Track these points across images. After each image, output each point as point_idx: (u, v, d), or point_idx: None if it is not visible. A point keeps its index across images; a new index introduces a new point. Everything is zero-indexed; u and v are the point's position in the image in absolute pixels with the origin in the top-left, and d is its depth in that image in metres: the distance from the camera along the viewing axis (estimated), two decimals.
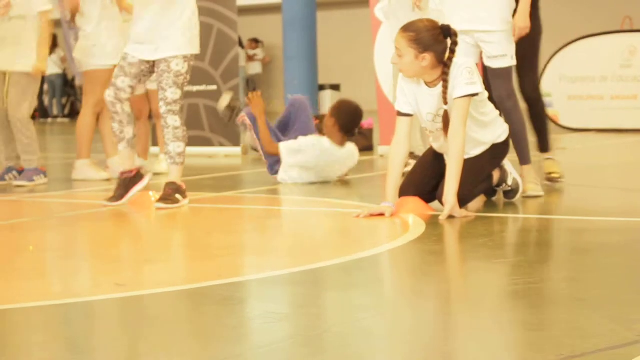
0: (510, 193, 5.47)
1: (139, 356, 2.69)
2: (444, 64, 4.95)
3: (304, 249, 4.40)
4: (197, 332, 2.89)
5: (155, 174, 7.67)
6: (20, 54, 7.12)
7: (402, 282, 3.71)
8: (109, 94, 5.74)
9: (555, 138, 11.21)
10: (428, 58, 4.92)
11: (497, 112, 5.32)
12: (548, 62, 12.61)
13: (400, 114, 5.12)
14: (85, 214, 5.66)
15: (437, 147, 5.27)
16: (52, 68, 21.69)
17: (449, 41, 4.94)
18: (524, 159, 5.70)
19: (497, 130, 5.25)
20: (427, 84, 5.05)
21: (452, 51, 4.94)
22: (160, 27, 5.70)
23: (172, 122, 5.72)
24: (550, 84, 12.45)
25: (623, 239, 4.35)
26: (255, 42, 23.42)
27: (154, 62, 5.73)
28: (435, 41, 4.91)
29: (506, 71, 5.62)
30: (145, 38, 5.71)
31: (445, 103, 4.96)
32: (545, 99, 12.50)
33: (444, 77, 4.94)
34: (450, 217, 4.84)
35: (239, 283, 3.58)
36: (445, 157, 5.18)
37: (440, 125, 5.09)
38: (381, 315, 3.09)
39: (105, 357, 2.64)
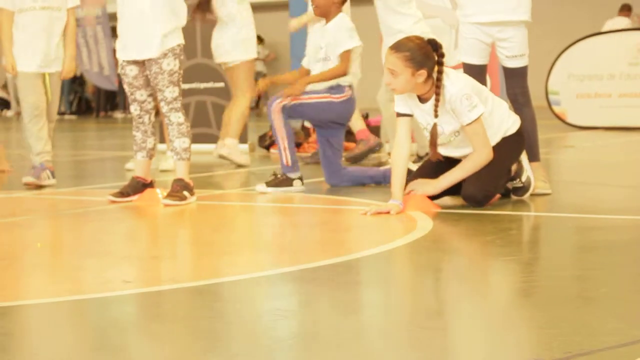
0: (520, 190, 5.47)
1: (145, 353, 2.69)
2: (434, 77, 5.04)
3: (311, 246, 4.40)
4: (204, 329, 2.88)
5: (162, 171, 7.68)
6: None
7: (410, 280, 3.71)
8: (135, 109, 5.85)
9: (564, 136, 11.22)
10: (424, 74, 5.00)
11: (504, 104, 5.35)
12: (556, 60, 12.60)
13: (399, 114, 5.20)
14: (93, 211, 5.67)
15: (442, 151, 5.31)
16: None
17: (435, 55, 5.03)
18: (533, 156, 5.70)
19: (505, 124, 5.26)
20: (419, 98, 5.13)
21: (440, 64, 5.03)
22: (143, 25, 5.72)
23: (175, 119, 5.75)
24: (558, 82, 12.43)
25: (631, 237, 4.34)
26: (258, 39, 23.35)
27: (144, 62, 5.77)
28: (427, 57, 5.01)
29: (523, 70, 5.71)
30: (127, 39, 5.77)
31: (436, 116, 5.06)
32: (553, 97, 12.54)
33: (437, 91, 5.02)
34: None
35: (246, 280, 3.58)
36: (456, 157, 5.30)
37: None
38: (388, 313, 3.08)
39: (112, 353, 2.64)
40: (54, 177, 6.90)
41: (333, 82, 6.31)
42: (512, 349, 2.63)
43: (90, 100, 24.01)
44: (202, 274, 3.79)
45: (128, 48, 5.78)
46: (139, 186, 5.87)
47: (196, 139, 9.93)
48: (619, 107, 11.92)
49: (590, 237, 4.40)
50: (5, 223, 5.29)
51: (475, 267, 3.88)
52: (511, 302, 3.19)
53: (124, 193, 5.83)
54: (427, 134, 5.21)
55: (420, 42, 5.05)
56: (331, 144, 6.42)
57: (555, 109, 12.51)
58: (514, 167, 5.41)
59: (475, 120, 5.03)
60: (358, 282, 3.56)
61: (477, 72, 5.67)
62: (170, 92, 5.73)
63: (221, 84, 9.82)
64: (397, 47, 5.04)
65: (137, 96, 5.83)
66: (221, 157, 8.04)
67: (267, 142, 9.80)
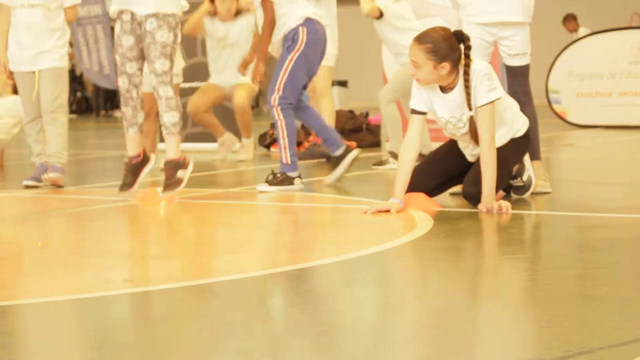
0: (521, 189, 5.47)
1: (146, 352, 2.68)
2: (460, 69, 4.99)
3: (311, 244, 4.40)
4: (205, 328, 2.88)
5: (162, 169, 7.67)
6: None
7: (411, 279, 3.71)
8: (123, 82, 5.77)
9: (564, 134, 11.21)
10: (447, 66, 4.94)
11: (516, 104, 5.34)
12: (556, 58, 12.59)
13: (414, 111, 5.13)
14: (94, 210, 5.66)
15: (465, 150, 5.31)
16: None
17: (462, 46, 4.97)
18: (533, 155, 5.70)
19: (516, 124, 5.26)
20: (441, 89, 5.07)
21: (467, 56, 4.98)
22: None
23: (164, 93, 5.71)
24: (558, 81, 12.43)
25: (632, 235, 4.34)
26: None
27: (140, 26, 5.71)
28: (451, 49, 4.94)
29: (524, 69, 5.71)
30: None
31: (470, 109, 5.01)
32: (554, 96, 12.54)
33: (466, 84, 4.97)
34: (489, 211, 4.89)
35: (246, 279, 3.58)
36: (468, 157, 5.29)
37: (461, 131, 5.11)
38: (389, 312, 3.08)
39: (113, 352, 2.64)
40: None
41: (283, 35, 6.20)
42: (513, 347, 2.63)
43: (90, 99, 24.01)
44: (202, 273, 3.78)
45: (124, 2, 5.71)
46: (138, 166, 5.84)
47: (196, 137, 9.98)
48: (619, 106, 11.91)
49: (591, 235, 4.40)
50: (6, 222, 5.29)
51: (476, 266, 3.88)
52: (512, 300, 3.18)
53: (128, 183, 5.82)
54: (448, 129, 5.13)
55: (445, 33, 4.96)
56: None
57: (556, 107, 12.50)
58: (515, 167, 5.41)
59: (491, 102, 4.96)
60: (358, 280, 3.55)
61: None
62: (161, 65, 5.68)
63: None
64: (420, 39, 4.97)
65: (127, 68, 5.75)
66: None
67: (267, 140, 9.80)
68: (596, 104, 12.09)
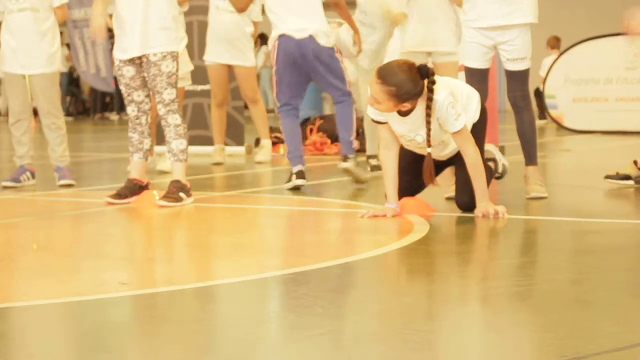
0: (501, 177, 5.66)
1: (141, 355, 2.68)
2: (420, 99, 4.81)
3: (308, 248, 4.40)
4: (200, 330, 2.88)
5: (160, 172, 7.67)
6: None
7: (407, 283, 3.71)
8: (132, 110, 5.86)
9: (560, 139, 11.23)
10: (408, 105, 4.82)
11: (477, 95, 5.18)
12: (553, 63, 12.61)
13: (374, 121, 5.08)
14: (90, 213, 5.66)
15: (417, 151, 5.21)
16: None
17: (425, 81, 4.77)
18: (530, 160, 5.70)
19: (475, 115, 5.13)
20: (398, 112, 4.91)
21: (430, 90, 4.76)
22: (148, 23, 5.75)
23: (172, 121, 5.78)
24: (555, 86, 12.44)
25: (627, 240, 4.35)
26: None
27: (141, 61, 5.77)
28: (414, 88, 4.73)
29: (524, 73, 5.67)
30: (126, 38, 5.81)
31: (429, 130, 4.83)
32: (550, 101, 12.55)
33: (428, 114, 4.79)
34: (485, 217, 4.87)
35: (243, 282, 3.58)
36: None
37: (417, 145, 5.01)
38: (385, 316, 3.08)
39: (108, 355, 2.64)
40: (33, 177, 6.99)
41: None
42: (508, 352, 2.63)
43: (86, 102, 23.98)
44: (198, 276, 3.78)
45: (127, 47, 5.78)
46: (136, 188, 5.87)
47: (193, 141, 9.94)
48: (615, 112, 11.93)
49: (586, 240, 4.40)
50: (2, 224, 5.28)
51: (472, 271, 3.88)
52: (507, 305, 3.19)
53: (121, 195, 5.83)
54: (405, 142, 5.03)
55: (409, 71, 4.71)
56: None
57: (552, 112, 12.52)
58: (491, 164, 5.46)
59: (463, 128, 4.87)
60: (354, 284, 3.56)
61: (479, 76, 5.64)
62: (169, 94, 5.75)
63: None
64: (384, 78, 4.71)
65: (135, 97, 5.84)
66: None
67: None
68: (592, 109, 12.11)
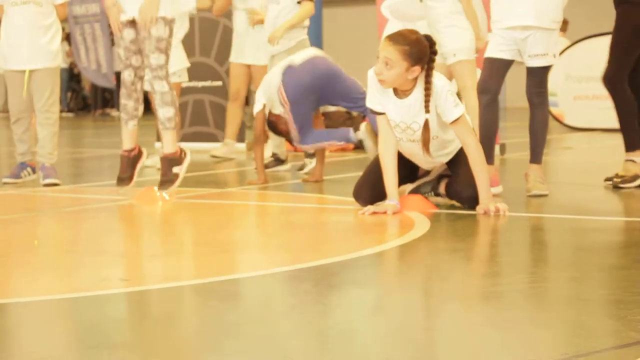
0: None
1: (142, 351, 2.68)
2: (420, 77, 4.91)
3: (308, 245, 4.40)
4: (201, 327, 2.88)
5: (159, 169, 7.66)
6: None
7: (407, 280, 3.70)
8: (129, 74, 5.76)
9: (561, 137, 11.22)
10: (417, 71, 4.88)
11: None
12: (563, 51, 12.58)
13: (373, 112, 5.09)
14: (91, 209, 5.66)
15: (414, 159, 5.23)
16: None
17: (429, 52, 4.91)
18: (535, 158, 5.69)
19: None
20: (396, 94, 4.99)
21: (432, 60, 4.90)
22: None
23: (159, 88, 5.71)
24: (555, 84, 12.43)
25: (628, 238, 4.35)
26: None
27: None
28: (425, 54, 4.88)
29: (542, 71, 5.65)
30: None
31: (427, 112, 4.90)
32: (551, 99, 12.54)
33: (427, 93, 4.87)
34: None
35: (243, 279, 3.58)
36: (423, 166, 5.27)
37: (409, 137, 5.03)
38: (385, 313, 3.08)
39: (109, 351, 2.64)
40: (34, 172, 6.98)
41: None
42: (509, 350, 2.63)
43: (87, 98, 23.98)
44: (199, 273, 3.78)
45: (127, 9, 5.72)
46: (134, 160, 5.85)
47: (194, 137, 9.97)
48: None
49: (587, 238, 4.40)
50: (3, 220, 5.28)
51: (473, 268, 3.88)
52: (508, 303, 3.18)
53: (128, 178, 5.82)
54: (399, 132, 5.04)
55: (418, 37, 4.92)
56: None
57: (553, 110, 12.51)
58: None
59: (462, 117, 4.92)
60: (354, 282, 3.55)
61: (497, 67, 5.60)
62: (155, 59, 5.67)
63: (219, 83, 9.81)
64: (395, 39, 4.89)
65: (133, 61, 5.76)
66: None
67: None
68: (593, 107, 12.10)
